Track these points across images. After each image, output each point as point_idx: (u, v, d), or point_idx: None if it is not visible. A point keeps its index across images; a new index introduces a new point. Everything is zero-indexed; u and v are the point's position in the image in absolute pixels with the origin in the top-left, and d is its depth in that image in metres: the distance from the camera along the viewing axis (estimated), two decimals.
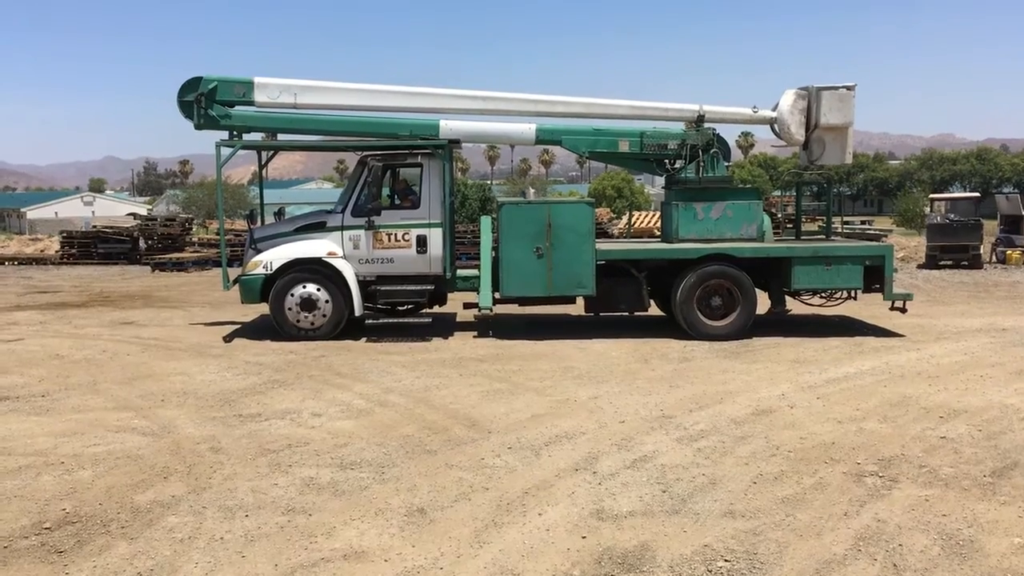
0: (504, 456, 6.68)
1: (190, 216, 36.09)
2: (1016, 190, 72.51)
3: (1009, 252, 25.14)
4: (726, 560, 4.79)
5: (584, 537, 5.11)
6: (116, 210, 70.76)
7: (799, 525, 5.27)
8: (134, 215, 36.58)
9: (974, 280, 20.53)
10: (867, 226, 39.85)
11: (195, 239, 30.29)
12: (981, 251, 24.51)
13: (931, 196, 35.74)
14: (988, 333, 12.21)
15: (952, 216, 25.48)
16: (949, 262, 23.84)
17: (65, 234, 30.71)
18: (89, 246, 28.84)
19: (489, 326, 12.56)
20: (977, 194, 36.50)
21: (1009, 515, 5.39)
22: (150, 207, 70.05)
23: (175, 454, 6.79)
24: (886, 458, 6.53)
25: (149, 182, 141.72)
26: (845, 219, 43.83)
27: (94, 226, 33.22)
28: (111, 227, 31.47)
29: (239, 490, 5.94)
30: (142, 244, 28.85)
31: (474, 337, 12.24)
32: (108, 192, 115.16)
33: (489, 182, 62.43)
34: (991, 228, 27.73)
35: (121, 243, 28.79)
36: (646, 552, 4.90)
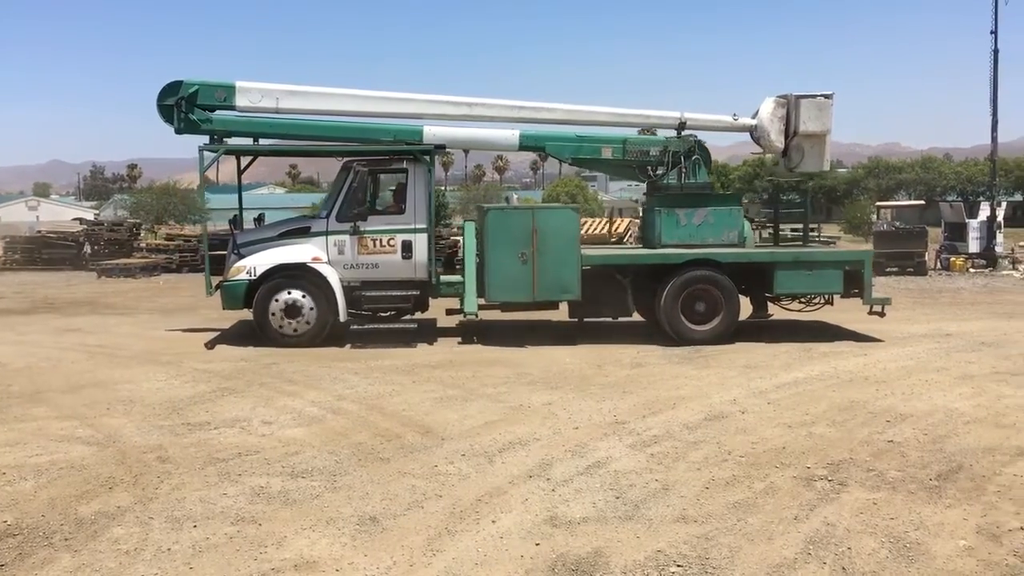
0: (457, 463, 6.65)
1: (138, 221, 35.42)
2: (960, 198, 74.24)
3: (953, 259, 25.77)
4: (679, 565, 4.81)
5: (538, 544, 5.10)
6: (62, 215, 69.13)
7: (750, 530, 5.31)
8: (80, 220, 35.81)
9: (919, 286, 20.98)
10: (816, 234, 40.46)
11: (143, 244, 29.74)
12: (926, 258, 25.10)
13: (878, 204, 36.55)
14: (933, 338, 12.46)
15: (898, 223, 26.09)
16: (895, 269, 24.34)
17: (8, 239, 29.98)
18: (33, 251, 28.18)
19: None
20: (922, 202, 37.35)
21: (954, 517, 5.49)
22: (97, 212, 68.59)
23: (121, 464, 6.64)
24: (835, 462, 6.62)
25: (96, 186, 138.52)
26: (793, 228, 44.39)
27: (39, 231, 32.46)
28: (56, 232, 30.75)
29: (187, 500, 5.83)
30: (88, 249, 28.25)
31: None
32: (54, 196, 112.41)
33: (443, 188, 62.24)
34: (935, 235, 28.39)
35: (67, 248, 28.16)
36: (600, 558, 4.90)
